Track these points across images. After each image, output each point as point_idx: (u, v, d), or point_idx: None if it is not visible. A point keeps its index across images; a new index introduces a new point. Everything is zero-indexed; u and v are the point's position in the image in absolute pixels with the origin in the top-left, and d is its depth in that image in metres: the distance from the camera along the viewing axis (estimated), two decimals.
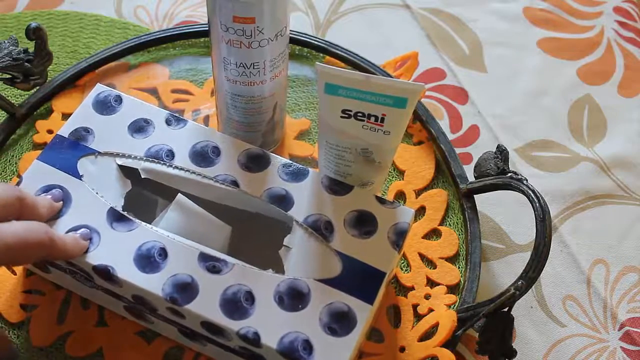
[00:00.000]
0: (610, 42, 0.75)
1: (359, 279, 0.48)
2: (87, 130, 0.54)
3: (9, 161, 0.63)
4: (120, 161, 0.53)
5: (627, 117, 0.70)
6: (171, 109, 0.56)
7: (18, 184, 0.51)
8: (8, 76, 0.61)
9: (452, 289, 0.58)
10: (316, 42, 0.70)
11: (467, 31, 0.75)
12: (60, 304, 0.56)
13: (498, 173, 0.58)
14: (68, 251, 0.47)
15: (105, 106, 0.55)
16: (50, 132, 0.64)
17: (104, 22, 0.73)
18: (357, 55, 0.69)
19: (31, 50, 0.62)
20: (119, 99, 0.56)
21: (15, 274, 0.57)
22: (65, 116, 0.65)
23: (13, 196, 0.46)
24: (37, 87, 0.65)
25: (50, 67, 0.65)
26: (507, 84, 0.72)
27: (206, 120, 0.66)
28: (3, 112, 0.64)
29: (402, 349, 0.55)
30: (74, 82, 0.67)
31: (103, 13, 0.74)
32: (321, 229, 0.50)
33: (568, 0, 0.78)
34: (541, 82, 0.72)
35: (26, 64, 0.61)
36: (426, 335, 0.55)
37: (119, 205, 0.51)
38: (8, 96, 0.66)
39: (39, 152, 0.53)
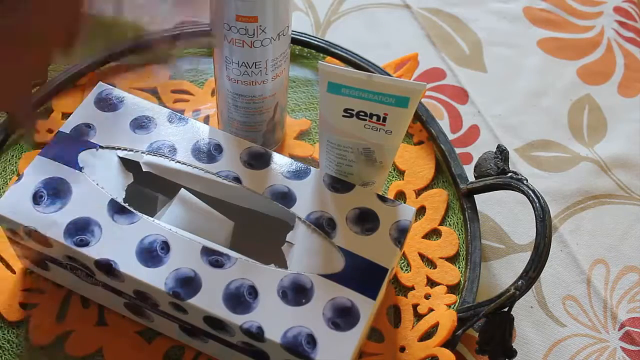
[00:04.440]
0: (611, 42, 0.75)
1: (362, 274, 0.48)
2: (88, 126, 0.54)
3: (9, 161, 0.63)
4: (122, 154, 0.53)
5: (627, 117, 0.70)
6: (171, 109, 0.56)
7: (18, 181, 0.51)
8: None
9: (452, 289, 0.58)
10: (316, 42, 0.70)
11: (467, 31, 0.75)
12: (60, 303, 0.56)
13: (498, 173, 0.58)
14: None
15: (107, 104, 0.55)
16: (50, 131, 0.64)
17: None
18: (357, 55, 0.69)
19: None
20: (120, 97, 0.56)
21: (14, 272, 0.57)
22: (65, 116, 0.65)
23: None
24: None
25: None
26: (507, 84, 0.72)
27: (206, 120, 0.66)
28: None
29: (402, 349, 0.55)
30: (73, 82, 0.67)
31: None
32: (324, 226, 0.50)
33: (568, 0, 0.78)
34: (541, 82, 0.72)
35: None
36: (426, 335, 0.55)
37: (119, 197, 0.51)
38: None
39: (39, 151, 0.53)
